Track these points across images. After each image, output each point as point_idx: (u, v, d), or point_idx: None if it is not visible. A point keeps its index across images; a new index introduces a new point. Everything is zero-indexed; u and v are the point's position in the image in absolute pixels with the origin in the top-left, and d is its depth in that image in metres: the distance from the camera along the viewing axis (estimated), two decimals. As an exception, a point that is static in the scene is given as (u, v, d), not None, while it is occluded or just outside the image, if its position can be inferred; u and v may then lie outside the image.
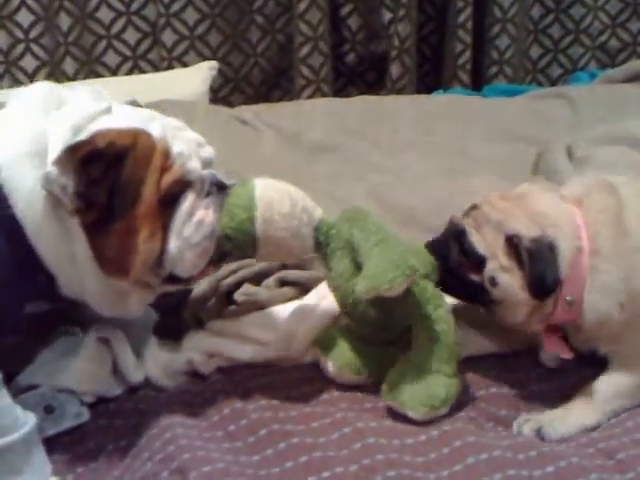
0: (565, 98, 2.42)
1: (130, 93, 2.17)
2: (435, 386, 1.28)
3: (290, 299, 1.53)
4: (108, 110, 1.22)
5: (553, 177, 1.86)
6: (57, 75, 2.61)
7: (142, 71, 2.69)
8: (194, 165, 1.23)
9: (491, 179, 1.88)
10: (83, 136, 1.16)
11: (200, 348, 1.43)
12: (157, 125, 1.22)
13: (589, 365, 1.36)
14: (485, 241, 1.30)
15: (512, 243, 1.28)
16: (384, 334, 1.39)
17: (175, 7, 2.63)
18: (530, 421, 1.27)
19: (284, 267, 1.57)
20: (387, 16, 2.79)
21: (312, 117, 2.29)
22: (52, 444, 1.23)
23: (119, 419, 1.32)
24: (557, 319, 1.31)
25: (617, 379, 1.30)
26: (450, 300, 1.37)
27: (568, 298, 1.27)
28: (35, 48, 2.58)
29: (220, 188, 1.26)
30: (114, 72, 2.67)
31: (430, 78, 2.96)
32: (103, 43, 2.64)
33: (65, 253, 1.18)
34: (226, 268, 1.51)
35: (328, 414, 1.29)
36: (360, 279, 1.29)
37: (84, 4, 2.59)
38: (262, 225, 1.32)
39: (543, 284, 1.26)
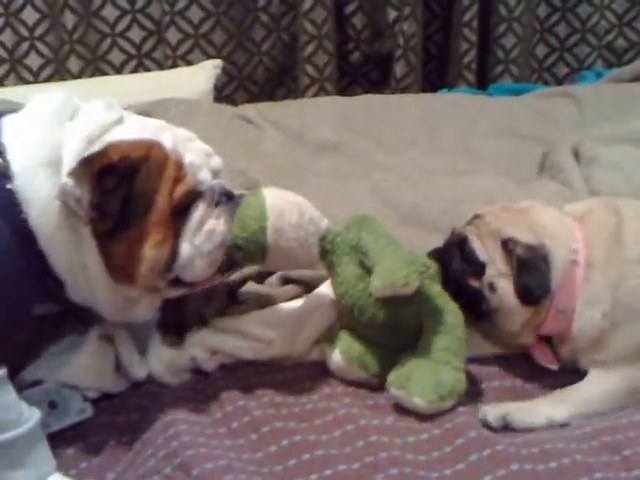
0: (571, 97, 2.41)
1: (134, 91, 2.18)
2: (444, 376, 1.29)
3: (293, 297, 1.53)
4: (120, 121, 1.24)
5: (559, 176, 1.86)
6: (62, 73, 2.61)
7: (147, 69, 2.69)
8: (205, 176, 1.26)
9: (496, 178, 1.88)
10: (97, 147, 1.18)
11: (203, 345, 1.43)
12: (168, 136, 1.24)
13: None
14: (485, 248, 1.35)
15: (508, 248, 1.32)
16: (394, 339, 1.39)
17: (180, 5, 2.63)
18: (497, 408, 1.27)
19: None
20: (392, 14, 2.78)
21: (316, 115, 2.28)
22: (56, 439, 1.23)
23: (122, 415, 1.32)
24: (548, 329, 1.35)
25: (601, 385, 1.31)
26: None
27: (559, 308, 1.31)
28: (40, 46, 2.58)
29: (229, 198, 1.28)
30: (119, 70, 2.67)
31: (435, 77, 2.95)
32: (108, 41, 2.64)
33: (77, 261, 1.20)
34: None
35: (331, 412, 1.29)
36: (375, 276, 1.31)
37: (89, 2, 2.59)
38: (273, 235, 1.33)
39: (530, 291, 1.30)
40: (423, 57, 2.86)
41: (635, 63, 2.75)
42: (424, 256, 1.37)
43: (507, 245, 1.33)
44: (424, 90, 2.84)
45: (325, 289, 1.48)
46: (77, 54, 2.61)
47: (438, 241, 1.49)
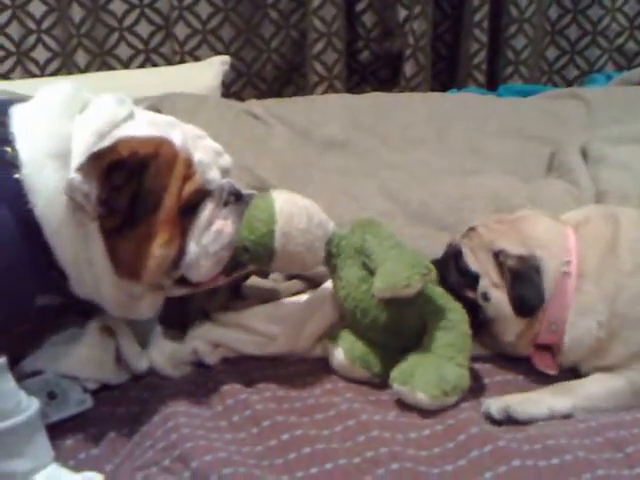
0: (580, 99, 2.40)
1: (141, 86, 2.17)
2: (448, 371, 1.29)
3: (297, 292, 1.53)
4: (131, 116, 1.23)
5: (567, 176, 1.85)
6: (69, 67, 2.60)
7: (154, 64, 2.67)
8: (214, 174, 1.26)
9: (503, 177, 1.87)
10: (107, 142, 1.17)
11: (205, 338, 1.43)
12: (178, 133, 1.23)
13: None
14: (478, 260, 1.38)
15: (499, 260, 1.34)
16: (397, 340, 1.38)
17: (188, 0, 2.62)
18: (500, 400, 1.27)
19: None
20: (402, 13, 2.76)
21: (324, 112, 2.27)
22: (54, 430, 1.23)
23: (122, 407, 1.32)
24: (543, 340, 1.35)
25: (605, 383, 1.30)
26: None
27: (551, 319, 1.32)
28: (47, 39, 2.57)
29: (237, 198, 1.27)
30: (126, 65, 2.66)
31: (445, 77, 2.94)
32: (115, 35, 2.63)
33: (82, 256, 1.19)
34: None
35: (332, 407, 1.28)
36: (377, 278, 1.31)
37: (96, -4, 2.59)
38: (281, 239, 1.32)
39: (524, 302, 1.32)
40: (433, 57, 2.85)
41: (645, 66, 2.75)
42: (427, 258, 1.36)
43: (498, 257, 1.35)
44: (433, 90, 2.82)
45: (329, 285, 1.47)
46: (84, 48, 2.60)
47: (445, 239, 1.50)
